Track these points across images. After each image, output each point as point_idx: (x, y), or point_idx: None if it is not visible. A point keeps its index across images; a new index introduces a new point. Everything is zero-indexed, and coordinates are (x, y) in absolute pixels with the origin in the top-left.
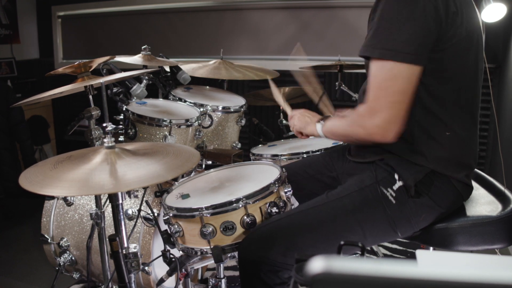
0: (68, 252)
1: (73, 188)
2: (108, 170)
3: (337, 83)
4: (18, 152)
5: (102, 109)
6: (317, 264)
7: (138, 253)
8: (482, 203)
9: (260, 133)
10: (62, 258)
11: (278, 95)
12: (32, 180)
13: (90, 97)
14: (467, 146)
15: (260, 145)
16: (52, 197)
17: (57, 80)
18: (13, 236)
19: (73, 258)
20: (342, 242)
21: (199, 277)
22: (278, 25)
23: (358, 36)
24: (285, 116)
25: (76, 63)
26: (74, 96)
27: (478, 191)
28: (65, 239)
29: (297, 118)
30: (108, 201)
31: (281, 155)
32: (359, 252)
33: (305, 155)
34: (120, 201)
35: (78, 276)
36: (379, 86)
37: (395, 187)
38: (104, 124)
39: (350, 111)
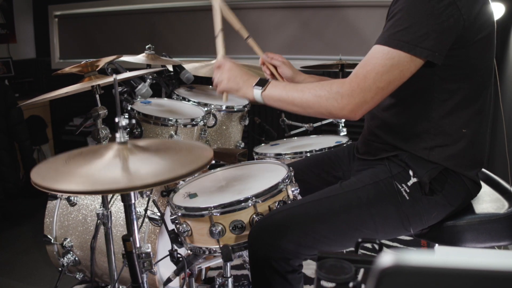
0: (71, 252)
1: (87, 183)
2: (121, 165)
3: None
4: (17, 153)
5: (112, 106)
6: (387, 258)
7: (151, 253)
8: (488, 201)
9: (262, 133)
10: (65, 258)
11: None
12: (45, 176)
13: (97, 96)
14: (480, 143)
15: (262, 144)
16: (55, 197)
17: (54, 80)
18: (12, 237)
19: (76, 258)
20: (359, 240)
21: (203, 277)
22: (278, 24)
23: (358, 35)
24: (287, 116)
25: (83, 62)
26: (71, 96)
27: (483, 189)
28: (68, 240)
29: (227, 78)
30: (111, 200)
31: (285, 154)
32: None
33: (308, 154)
34: (133, 201)
35: (81, 276)
36: (374, 68)
37: (410, 183)
38: (117, 119)
39: (309, 81)
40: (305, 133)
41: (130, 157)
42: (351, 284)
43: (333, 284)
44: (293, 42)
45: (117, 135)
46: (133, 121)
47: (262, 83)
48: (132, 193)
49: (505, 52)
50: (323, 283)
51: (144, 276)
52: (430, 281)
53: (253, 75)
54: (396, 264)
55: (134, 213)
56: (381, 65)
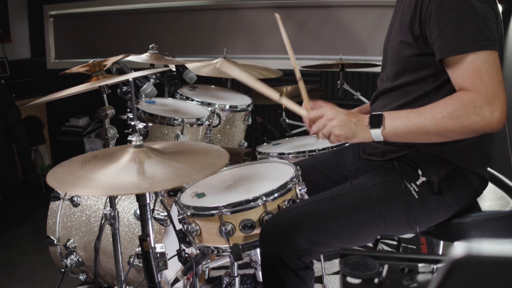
0: (74, 253)
1: (107, 189)
2: (138, 170)
3: (338, 82)
4: (15, 153)
5: (113, 105)
6: (459, 248)
7: (165, 253)
8: (492, 199)
9: (264, 132)
10: (68, 259)
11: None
12: (62, 180)
13: (105, 96)
14: (489, 139)
15: (265, 144)
16: (58, 198)
17: (49, 81)
18: (11, 238)
19: (79, 259)
20: (379, 237)
21: (206, 277)
22: (276, 24)
23: (356, 35)
24: (287, 115)
25: (90, 62)
26: (68, 96)
27: (488, 187)
28: (71, 240)
29: (337, 126)
30: (113, 201)
31: (288, 153)
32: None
33: (311, 153)
34: (148, 201)
35: (84, 277)
36: (480, 69)
37: (419, 182)
38: (133, 123)
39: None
40: (306, 132)
41: (146, 161)
42: (376, 280)
43: (358, 281)
44: (291, 42)
45: (133, 138)
46: (150, 124)
47: (375, 120)
48: (147, 193)
49: (502, 53)
50: (349, 279)
51: (159, 276)
52: (503, 272)
53: (356, 113)
54: (469, 255)
55: (149, 213)
56: (482, 63)
